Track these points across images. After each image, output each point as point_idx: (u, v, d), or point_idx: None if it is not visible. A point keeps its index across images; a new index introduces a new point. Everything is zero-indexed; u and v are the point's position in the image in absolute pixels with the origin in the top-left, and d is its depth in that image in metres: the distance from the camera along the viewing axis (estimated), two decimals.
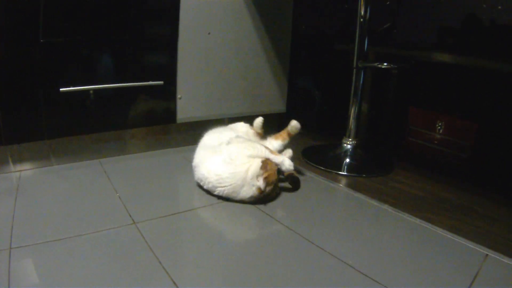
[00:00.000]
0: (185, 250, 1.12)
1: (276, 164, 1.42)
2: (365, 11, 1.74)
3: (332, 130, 2.04)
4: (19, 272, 0.96)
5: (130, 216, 1.25)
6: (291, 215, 1.33)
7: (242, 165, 1.34)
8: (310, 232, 1.19)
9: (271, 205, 1.37)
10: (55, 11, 1.57)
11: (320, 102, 2.34)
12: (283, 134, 1.66)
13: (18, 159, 1.60)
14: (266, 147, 1.49)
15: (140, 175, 1.63)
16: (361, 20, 1.75)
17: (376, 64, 1.76)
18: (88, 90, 1.70)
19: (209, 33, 1.95)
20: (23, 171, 1.59)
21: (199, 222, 1.27)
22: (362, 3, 1.74)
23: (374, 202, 1.43)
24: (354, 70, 1.82)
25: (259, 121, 1.71)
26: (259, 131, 1.70)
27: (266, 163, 1.35)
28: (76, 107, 1.70)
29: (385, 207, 1.40)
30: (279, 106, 2.30)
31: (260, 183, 1.31)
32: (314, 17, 2.31)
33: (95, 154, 1.77)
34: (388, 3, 1.98)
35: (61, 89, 1.63)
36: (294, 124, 1.66)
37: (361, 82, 1.82)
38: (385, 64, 1.74)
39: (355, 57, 1.81)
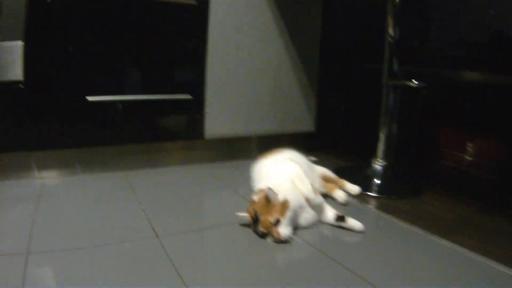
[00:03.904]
0: (209, 268, 1.08)
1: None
2: (394, 30, 1.71)
3: (361, 150, 1.99)
4: (34, 277, 0.94)
5: (153, 229, 1.22)
6: (320, 236, 1.27)
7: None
8: (340, 255, 1.14)
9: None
10: (81, 21, 1.59)
11: (350, 121, 2.29)
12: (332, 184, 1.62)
13: (43, 166, 1.61)
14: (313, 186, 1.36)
15: (165, 189, 1.61)
16: (390, 39, 1.72)
17: (405, 82, 1.71)
18: (115, 100, 1.70)
19: (238, 49, 1.94)
20: (47, 178, 1.59)
21: (226, 239, 1.22)
22: (390, 22, 1.70)
23: (405, 224, 1.37)
24: (384, 88, 1.78)
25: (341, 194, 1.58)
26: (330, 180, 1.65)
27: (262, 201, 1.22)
28: (103, 117, 1.71)
29: (416, 229, 1.34)
30: (307, 125, 2.26)
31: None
32: (343, 34, 2.28)
33: (121, 166, 1.77)
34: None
35: (88, 98, 1.63)
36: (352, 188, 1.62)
37: (391, 101, 1.77)
38: (414, 81, 1.69)
39: (384, 75, 1.77)
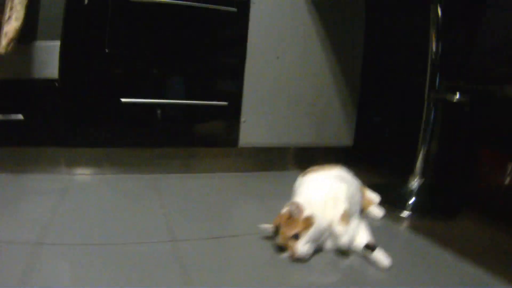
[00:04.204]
0: (219, 277, 1.03)
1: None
2: (437, 46, 1.65)
3: (399, 168, 1.91)
4: (37, 267, 0.94)
5: (171, 233, 1.20)
6: (344, 260, 1.19)
7: None
8: (361, 279, 1.08)
9: None
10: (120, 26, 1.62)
11: (388, 136, 2.21)
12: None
13: (73, 163, 1.64)
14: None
15: (192, 195, 1.59)
16: (433, 56, 1.67)
17: (447, 95, 1.63)
18: (149, 103, 1.71)
19: (277, 58, 1.92)
20: (76, 175, 1.61)
21: (242, 250, 1.18)
22: (433, 38, 1.65)
23: (436, 248, 1.29)
24: (425, 103, 1.71)
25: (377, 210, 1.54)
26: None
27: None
28: (136, 119, 1.73)
29: (447, 254, 1.26)
30: (346, 139, 2.20)
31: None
32: (386, 48, 2.21)
33: (151, 168, 1.77)
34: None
35: (122, 100, 1.65)
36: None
37: (432, 116, 1.70)
38: (457, 95, 1.61)
39: (426, 90, 1.70)
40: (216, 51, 1.83)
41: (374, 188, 1.62)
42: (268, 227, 1.18)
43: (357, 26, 2.10)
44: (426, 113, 1.71)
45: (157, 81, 1.76)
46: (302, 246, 1.10)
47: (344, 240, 1.15)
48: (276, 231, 1.15)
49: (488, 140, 1.74)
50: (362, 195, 1.50)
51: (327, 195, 1.24)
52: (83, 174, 1.66)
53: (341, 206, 1.21)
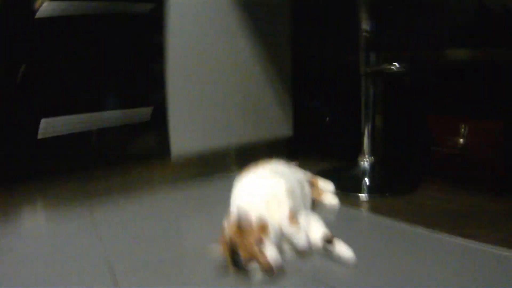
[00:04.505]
0: None
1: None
2: (368, 24, 1.58)
3: (346, 150, 1.81)
4: None
5: (114, 275, 1.01)
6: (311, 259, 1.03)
7: None
8: (338, 278, 0.95)
9: None
10: None
11: (329, 120, 2.12)
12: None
13: None
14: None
15: (131, 223, 1.37)
16: (365, 34, 1.59)
17: (385, 66, 1.56)
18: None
19: (199, 54, 1.77)
20: None
21: (201, 279, 0.97)
22: (364, 17, 1.58)
23: (405, 225, 1.19)
24: (362, 78, 1.62)
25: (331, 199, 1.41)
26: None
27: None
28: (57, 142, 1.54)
29: (419, 229, 1.15)
30: (285, 129, 2.08)
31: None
32: (315, 30, 2.12)
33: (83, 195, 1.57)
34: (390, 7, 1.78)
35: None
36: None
37: (371, 91, 1.62)
38: (395, 64, 1.53)
39: (362, 64, 1.62)
40: (132, 54, 1.65)
41: (323, 175, 1.50)
42: (216, 247, 0.98)
43: (284, 13, 2.00)
44: (364, 89, 1.63)
45: (77, 94, 1.57)
46: (272, 251, 0.93)
47: (301, 240, 1.00)
48: (229, 248, 0.95)
49: (435, 107, 1.70)
50: (312, 185, 1.37)
51: (267, 194, 1.07)
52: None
53: (285, 206, 1.05)
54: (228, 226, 0.97)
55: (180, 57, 1.71)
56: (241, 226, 0.95)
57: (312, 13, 2.12)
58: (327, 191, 1.42)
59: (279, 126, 2.05)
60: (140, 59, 1.67)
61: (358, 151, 1.65)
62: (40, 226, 1.37)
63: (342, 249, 0.99)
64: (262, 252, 0.91)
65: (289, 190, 1.11)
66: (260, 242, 0.93)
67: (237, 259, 0.92)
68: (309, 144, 2.11)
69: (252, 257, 0.91)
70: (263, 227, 0.95)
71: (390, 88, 1.78)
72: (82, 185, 1.57)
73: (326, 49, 2.10)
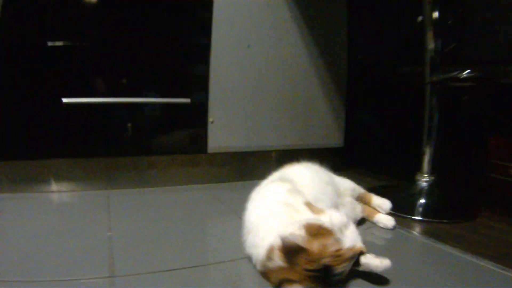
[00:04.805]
0: None
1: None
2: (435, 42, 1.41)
3: (398, 168, 1.61)
4: None
5: (112, 266, 0.87)
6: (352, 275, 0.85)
7: None
8: None
9: None
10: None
11: (384, 134, 1.92)
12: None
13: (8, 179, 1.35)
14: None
15: (149, 214, 1.27)
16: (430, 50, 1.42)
17: (455, 73, 1.35)
18: (96, 103, 1.39)
19: (248, 46, 1.62)
20: (8, 193, 1.32)
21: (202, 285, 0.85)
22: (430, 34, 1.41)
23: (468, 257, 0.99)
24: (427, 87, 1.43)
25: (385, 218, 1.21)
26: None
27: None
28: (81, 122, 1.42)
29: (484, 263, 0.96)
30: (335, 139, 1.90)
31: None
32: (372, 37, 1.94)
33: (103, 183, 1.45)
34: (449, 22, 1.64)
35: (63, 100, 1.34)
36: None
37: (435, 101, 1.42)
38: (467, 71, 1.33)
39: (428, 71, 1.42)
40: (174, 38, 1.52)
41: (376, 192, 1.30)
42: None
43: (339, 16, 1.83)
44: (429, 98, 1.43)
45: (105, 75, 1.45)
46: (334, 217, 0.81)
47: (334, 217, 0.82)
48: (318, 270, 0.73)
49: (495, 128, 1.54)
50: (364, 203, 1.23)
51: (279, 203, 0.90)
52: (18, 192, 1.34)
53: (299, 203, 0.88)
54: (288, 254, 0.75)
55: (225, 44, 1.58)
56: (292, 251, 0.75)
57: (370, 17, 1.95)
58: (383, 210, 1.22)
59: (329, 134, 1.87)
60: (183, 44, 1.53)
61: (411, 171, 1.46)
62: (46, 210, 1.26)
63: (372, 263, 0.80)
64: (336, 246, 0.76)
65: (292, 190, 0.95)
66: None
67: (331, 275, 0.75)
68: (359, 158, 1.92)
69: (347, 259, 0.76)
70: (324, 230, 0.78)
71: (453, 103, 1.58)
72: (101, 173, 1.45)
73: (383, 58, 1.92)
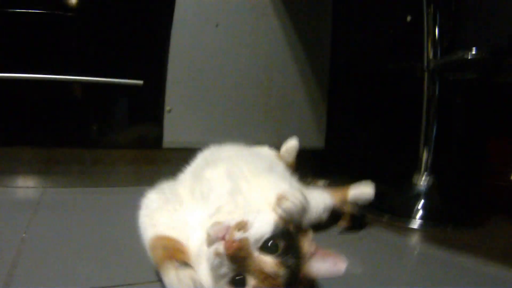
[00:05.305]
0: None
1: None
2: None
3: (393, 170, 1.43)
4: None
5: (8, 275, 0.64)
6: None
7: None
8: None
9: None
10: None
11: (370, 133, 1.71)
12: (340, 193, 1.03)
13: None
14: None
15: (83, 216, 1.01)
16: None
17: (461, 54, 1.14)
18: (28, 80, 1.14)
19: (217, 25, 1.39)
20: None
21: None
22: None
23: (479, 265, 0.86)
24: (426, 77, 1.26)
25: (291, 145, 1.17)
26: (290, 160, 1.16)
27: None
28: (14, 105, 1.19)
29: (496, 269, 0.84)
30: (315, 139, 1.68)
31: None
32: (357, 33, 1.75)
33: (33, 178, 1.21)
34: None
35: None
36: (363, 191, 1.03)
37: (436, 92, 1.25)
38: (473, 51, 1.11)
39: (425, 56, 1.25)
40: (128, 8, 1.27)
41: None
42: None
43: (324, 7, 1.67)
44: (427, 86, 1.26)
45: (41, 49, 1.19)
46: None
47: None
48: None
49: (494, 128, 1.42)
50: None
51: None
52: None
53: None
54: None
55: (189, 20, 1.35)
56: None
57: (354, 12, 1.76)
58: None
59: (308, 133, 1.64)
60: (138, 16, 1.29)
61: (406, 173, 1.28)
62: None
63: None
64: None
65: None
66: None
67: None
68: (341, 160, 1.71)
69: None
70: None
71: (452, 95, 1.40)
72: (33, 166, 1.21)
73: (368, 54, 1.73)
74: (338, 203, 0.99)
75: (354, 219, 1.02)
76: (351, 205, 1.01)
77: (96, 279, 0.66)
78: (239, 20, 1.44)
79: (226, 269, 0.52)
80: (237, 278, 0.52)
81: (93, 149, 1.28)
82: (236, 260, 0.52)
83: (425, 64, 1.26)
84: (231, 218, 0.56)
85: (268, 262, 0.52)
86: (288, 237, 0.56)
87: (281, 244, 0.54)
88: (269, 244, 0.53)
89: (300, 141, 1.55)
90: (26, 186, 1.20)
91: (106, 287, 0.64)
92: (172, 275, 0.55)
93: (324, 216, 0.94)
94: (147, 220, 0.69)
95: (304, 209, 0.62)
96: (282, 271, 0.52)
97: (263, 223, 0.55)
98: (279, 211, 0.59)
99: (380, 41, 1.70)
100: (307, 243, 0.57)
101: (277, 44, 1.54)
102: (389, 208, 1.19)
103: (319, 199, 0.92)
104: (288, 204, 0.59)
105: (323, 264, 0.56)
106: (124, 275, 0.68)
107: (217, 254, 0.52)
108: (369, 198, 1.00)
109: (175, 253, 0.59)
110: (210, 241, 0.54)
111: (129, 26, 1.28)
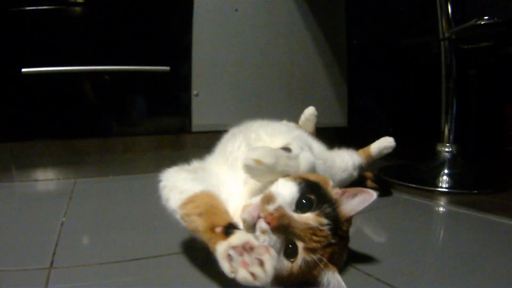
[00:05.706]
0: None
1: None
2: None
3: (416, 144, 1.43)
4: None
5: (52, 255, 0.70)
6: (379, 259, 0.70)
7: None
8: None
9: None
10: None
11: (391, 108, 1.72)
12: (363, 152, 1.10)
13: None
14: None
15: (115, 202, 1.07)
16: None
17: (474, 21, 1.15)
18: (60, 73, 1.18)
19: (236, 10, 1.41)
20: None
21: (149, 277, 0.66)
22: None
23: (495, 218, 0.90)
24: (443, 45, 1.27)
25: (309, 112, 1.20)
26: (310, 128, 1.18)
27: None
28: (43, 97, 1.22)
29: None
30: (337, 118, 1.70)
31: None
32: (370, 13, 1.75)
33: (65, 169, 1.24)
34: None
35: (23, 70, 1.15)
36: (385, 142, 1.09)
37: (453, 61, 1.26)
38: (486, 18, 1.13)
39: (441, 27, 1.27)
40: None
41: (390, 170, 1.18)
42: None
43: None
44: (444, 56, 1.28)
45: (70, 42, 1.23)
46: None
47: None
48: None
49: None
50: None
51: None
52: None
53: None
54: None
55: (210, 5, 1.37)
56: None
57: None
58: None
59: (331, 111, 1.67)
60: (161, 4, 1.33)
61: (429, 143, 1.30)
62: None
63: None
64: None
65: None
66: None
67: None
68: (367, 136, 1.73)
69: None
70: None
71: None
72: (65, 157, 1.25)
73: (383, 30, 1.74)
74: (365, 160, 1.05)
75: (382, 184, 1.05)
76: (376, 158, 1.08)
77: (129, 253, 0.72)
78: (257, 4, 1.46)
79: (274, 243, 0.54)
80: (289, 247, 0.55)
81: (123, 137, 1.32)
82: (281, 230, 0.54)
83: (440, 34, 1.27)
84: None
85: (309, 217, 0.55)
86: (315, 189, 0.58)
87: (313, 197, 0.57)
88: (303, 202, 0.57)
89: (323, 120, 1.58)
90: (57, 178, 1.24)
91: (137, 258, 0.70)
92: (222, 249, 0.51)
93: (355, 174, 1.00)
94: (169, 191, 0.66)
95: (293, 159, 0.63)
96: (325, 220, 0.55)
97: (286, 187, 0.58)
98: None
99: (395, 17, 1.71)
100: (332, 188, 0.61)
101: (295, 26, 1.56)
102: (415, 179, 1.20)
103: (348, 157, 0.98)
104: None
105: (355, 199, 0.59)
106: (153, 248, 0.74)
107: (263, 232, 0.54)
108: (391, 146, 1.06)
109: (213, 217, 0.57)
110: (248, 225, 0.56)
111: (152, 15, 1.31)
